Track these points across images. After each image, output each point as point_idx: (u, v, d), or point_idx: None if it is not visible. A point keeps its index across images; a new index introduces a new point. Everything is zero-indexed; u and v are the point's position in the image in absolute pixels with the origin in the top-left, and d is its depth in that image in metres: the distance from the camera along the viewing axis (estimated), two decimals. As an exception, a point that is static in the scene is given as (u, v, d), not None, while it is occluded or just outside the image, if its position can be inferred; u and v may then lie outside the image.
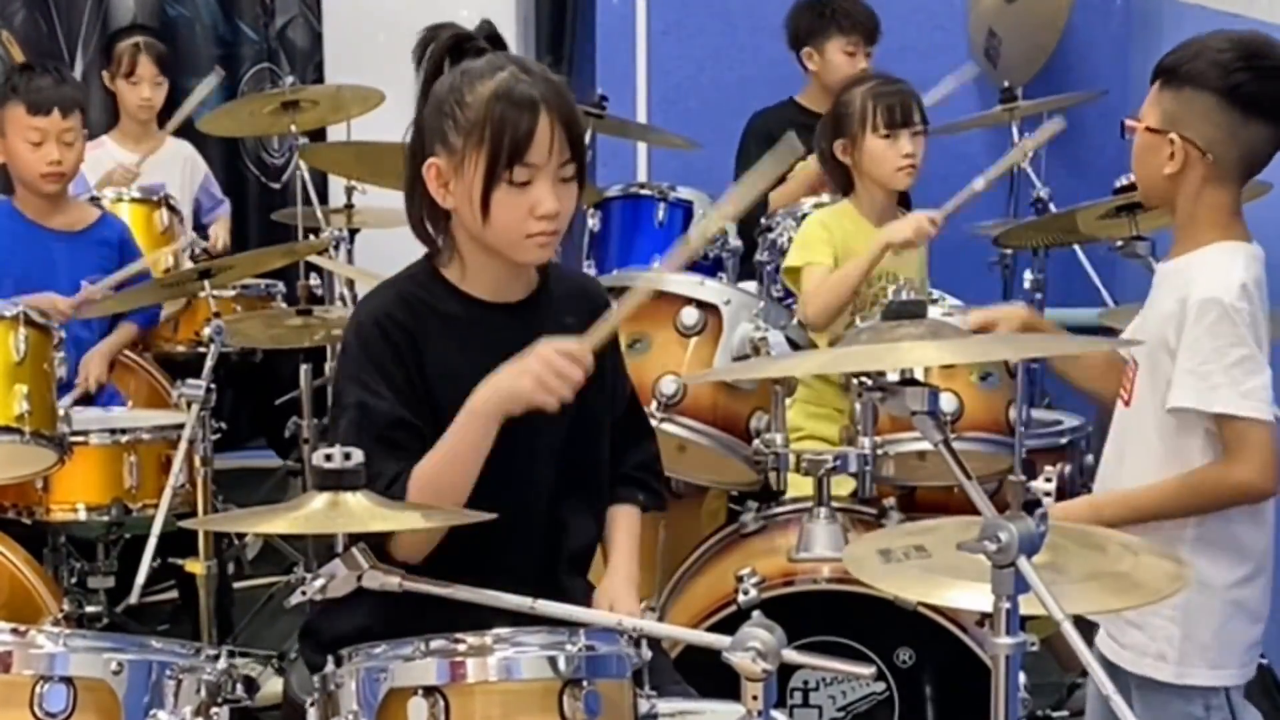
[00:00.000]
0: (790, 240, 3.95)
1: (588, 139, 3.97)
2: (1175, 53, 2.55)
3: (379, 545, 2.14)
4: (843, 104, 3.77)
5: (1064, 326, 4.16)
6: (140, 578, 3.13)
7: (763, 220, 4.18)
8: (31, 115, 3.96)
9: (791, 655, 1.88)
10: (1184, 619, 2.51)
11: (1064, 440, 3.51)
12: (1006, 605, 1.86)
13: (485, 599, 2.05)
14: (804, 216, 4.02)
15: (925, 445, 2.60)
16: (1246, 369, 2.46)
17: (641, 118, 5.45)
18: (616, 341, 2.55)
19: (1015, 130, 4.59)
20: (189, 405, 3.22)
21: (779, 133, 4.88)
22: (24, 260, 4.03)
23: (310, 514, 1.99)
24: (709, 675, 2.14)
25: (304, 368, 4.26)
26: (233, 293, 4.59)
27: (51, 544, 3.72)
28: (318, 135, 5.07)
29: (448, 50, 2.32)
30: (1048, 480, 2.28)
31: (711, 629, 2.61)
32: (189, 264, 4.37)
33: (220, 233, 5.19)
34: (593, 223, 4.30)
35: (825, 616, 2.75)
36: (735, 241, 4.23)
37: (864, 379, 2.11)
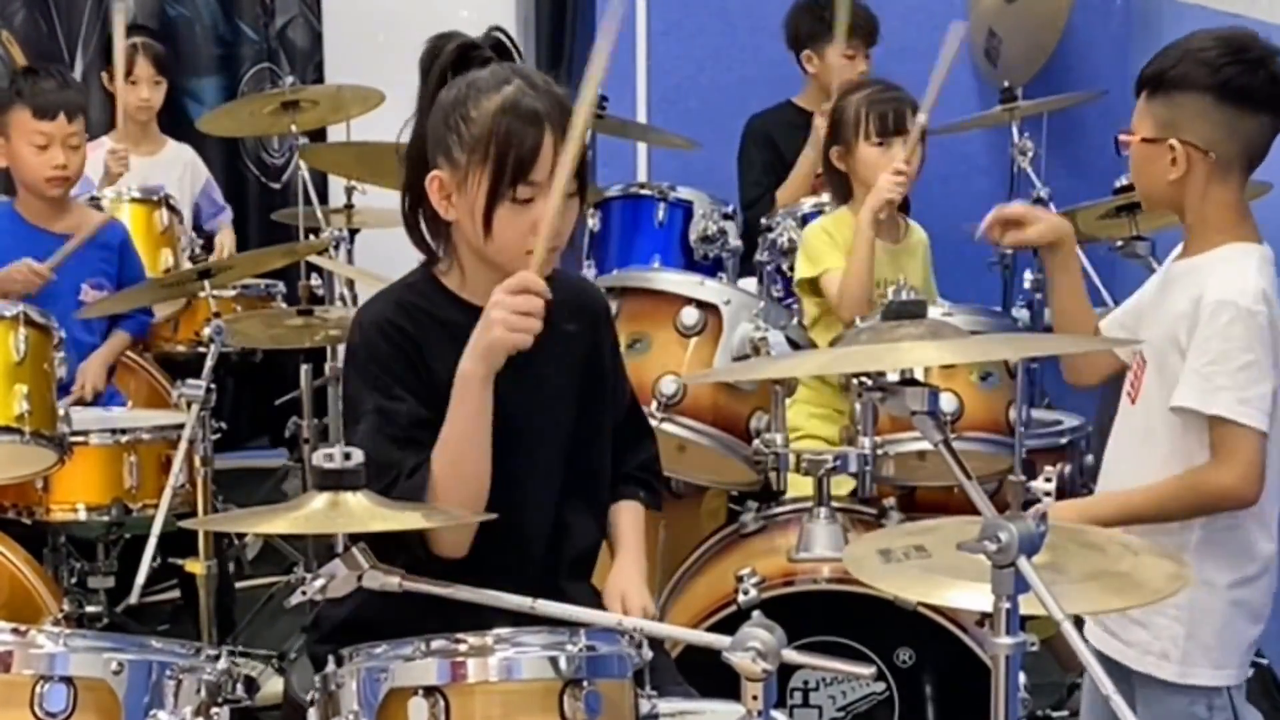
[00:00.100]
0: (790, 240, 3.95)
1: (588, 139, 3.95)
2: (1156, 62, 2.57)
3: (421, 543, 2.17)
4: (839, 110, 3.79)
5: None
6: (140, 578, 3.13)
7: (763, 220, 4.19)
8: (37, 119, 3.96)
9: (791, 655, 1.88)
10: (1188, 618, 2.52)
11: (1064, 440, 3.51)
12: (1006, 605, 1.86)
13: (485, 599, 2.05)
14: (804, 217, 4.03)
15: (925, 445, 2.60)
16: (1251, 375, 2.46)
17: (641, 118, 5.45)
18: (616, 344, 2.55)
19: (1015, 130, 4.59)
20: (189, 405, 3.22)
21: (777, 134, 4.94)
22: (26, 264, 4.02)
23: (310, 514, 1.99)
24: (709, 675, 2.14)
25: (304, 368, 4.26)
26: (233, 293, 4.59)
27: (51, 544, 3.72)
28: (318, 135, 5.07)
29: (453, 61, 2.31)
30: (1048, 480, 2.27)
31: (711, 629, 2.61)
32: (188, 264, 4.38)
33: (226, 242, 5.18)
34: (593, 223, 4.30)
35: (825, 616, 2.75)
36: (735, 241, 4.24)
37: (864, 379, 2.11)
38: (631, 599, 2.36)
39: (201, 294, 3.65)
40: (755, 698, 1.86)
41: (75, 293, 4.05)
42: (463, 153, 2.22)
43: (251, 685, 2.16)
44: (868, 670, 1.99)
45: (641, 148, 5.49)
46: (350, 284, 4.40)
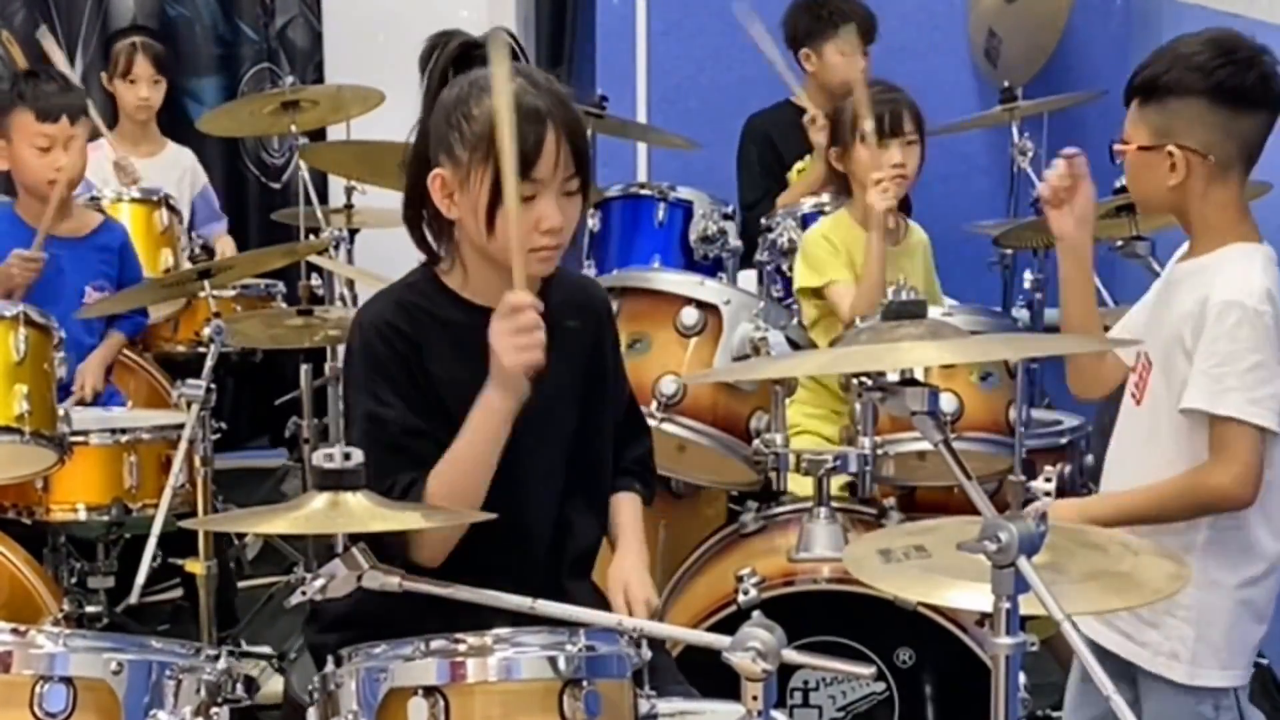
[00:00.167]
0: (790, 240, 3.95)
1: (588, 139, 3.96)
2: (1146, 69, 2.58)
3: (399, 553, 2.15)
4: (839, 111, 3.79)
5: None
6: (140, 578, 3.13)
7: (763, 220, 4.19)
8: (40, 122, 3.95)
9: (791, 655, 1.88)
10: (1197, 619, 2.52)
11: (1064, 440, 3.51)
12: (1006, 605, 1.86)
13: (485, 599, 2.05)
14: (804, 217, 4.03)
15: (925, 445, 2.60)
16: (1260, 375, 2.47)
17: (641, 118, 5.45)
18: (618, 342, 2.55)
19: (1015, 130, 4.59)
20: (189, 405, 3.22)
21: (776, 134, 4.94)
22: (29, 268, 4.02)
23: (310, 514, 1.99)
24: (709, 675, 2.14)
25: (304, 368, 4.26)
26: (233, 293, 4.59)
27: (51, 544, 3.72)
28: (318, 135, 5.07)
29: (454, 59, 2.31)
30: (1048, 480, 2.27)
31: (711, 629, 2.61)
32: (188, 264, 4.38)
33: (227, 252, 5.16)
34: (593, 223, 4.30)
35: (825, 616, 2.75)
36: (735, 241, 4.24)
37: (864, 379, 2.11)
38: (634, 590, 2.36)
39: (201, 294, 3.65)
40: (755, 698, 1.86)
41: (78, 295, 4.05)
42: (465, 150, 2.22)
43: (251, 685, 2.16)
44: (868, 670, 1.99)
45: (641, 148, 5.49)
46: (350, 284, 4.40)
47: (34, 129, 3.95)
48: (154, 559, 3.15)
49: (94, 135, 4.48)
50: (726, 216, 4.28)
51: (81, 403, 3.98)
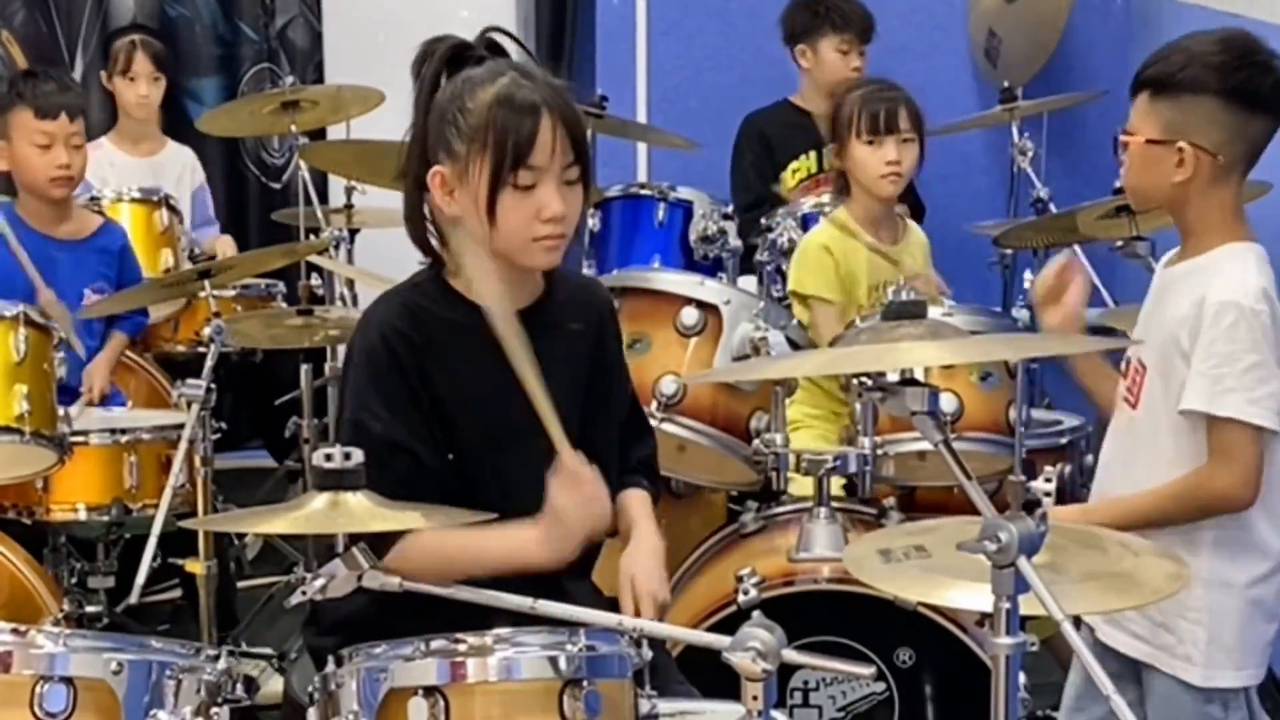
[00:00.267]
0: (790, 240, 3.95)
1: (588, 138, 3.96)
2: (1159, 63, 2.56)
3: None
4: (837, 109, 3.80)
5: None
6: (140, 578, 3.13)
7: (763, 220, 4.19)
8: (40, 120, 3.96)
9: (791, 655, 1.88)
10: (1209, 621, 2.52)
11: (1064, 440, 3.51)
12: (1006, 605, 1.86)
13: (485, 599, 2.05)
14: (804, 217, 4.03)
15: (925, 445, 2.60)
16: (1259, 375, 2.47)
17: (641, 118, 5.45)
18: (620, 341, 2.55)
19: (1015, 130, 4.59)
20: (189, 405, 3.22)
21: (772, 132, 4.94)
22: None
23: (310, 514, 1.99)
24: (709, 675, 2.14)
25: (304, 368, 4.26)
26: (233, 293, 4.58)
27: (51, 544, 3.72)
28: (318, 135, 5.07)
29: (446, 61, 2.32)
30: (1048, 480, 2.28)
31: (711, 629, 2.61)
32: (188, 264, 4.38)
33: (228, 253, 5.14)
34: (593, 223, 4.30)
35: (825, 616, 2.75)
36: (735, 241, 4.24)
37: (864, 379, 2.11)
38: (640, 583, 2.34)
39: (201, 294, 3.65)
40: (755, 698, 1.86)
41: (78, 297, 4.05)
42: (462, 144, 2.23)
43: (251, 685, 2.16)
44: (868, 670, 1.99)
45: (641, 148, 5.49)
46: (350, 284, 4.40)
47: (33, 127, 3.95)
48: (154, 559, 3.15)
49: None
50: (726, 216, 4.28)
51: (90, 405, 3.98)
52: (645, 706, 2.03)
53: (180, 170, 5.11)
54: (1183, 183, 2.54)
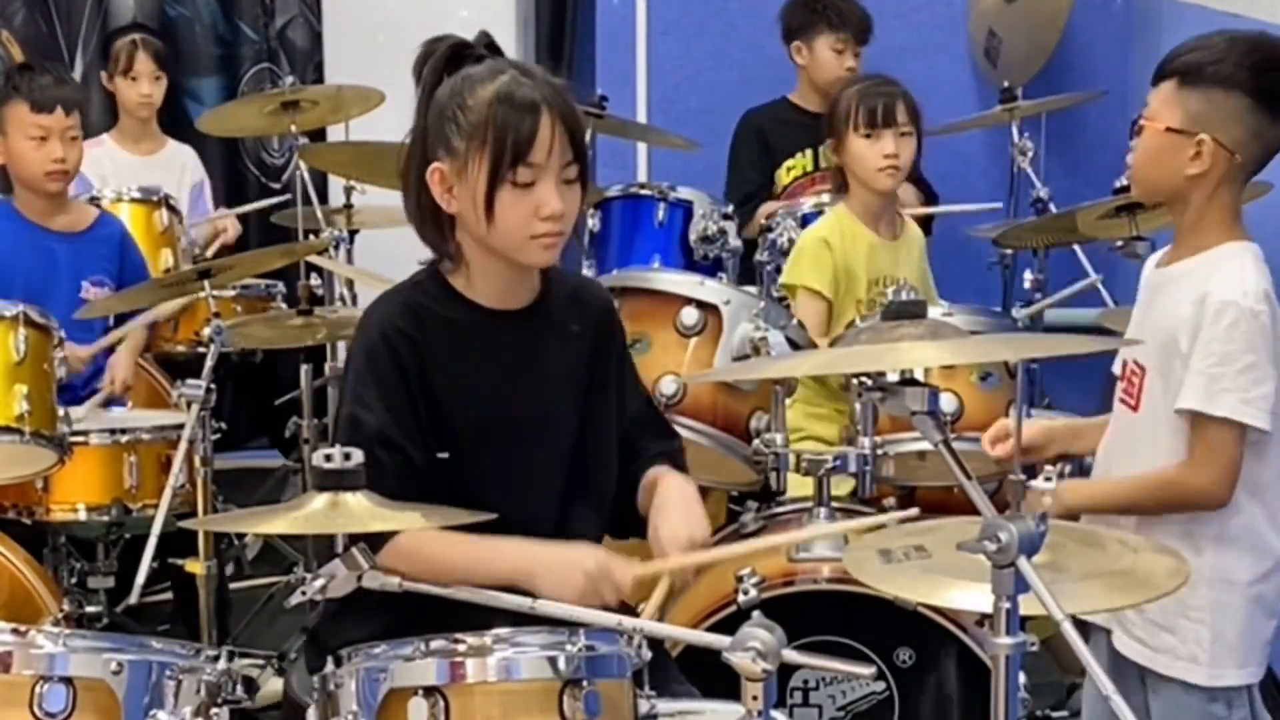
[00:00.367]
0: (790, 240, 3.95)
1: (588, 139, 3.96)
2: (1192, 53, 2.53)
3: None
4: (834, 104, 3.82)
5: (1064, 327, 4.19)
6: (140, 578, 3.13)
7: (763, 220, 4.19)
8: (35, 113, 3.96)
9: (791, 655, 1.88)
10: (1212, 620, 2.52)
11: (1064, 440, 3.50)
12: (1006, 605, 1.86)
13: (485, 599, 2.05)
14: (804, 217, 4.03)
15: (925, 445, 2.60)
16: (1255, 376, 2.47)
17: (641, 118, 5.45)
18: (624, 348, 2.54)
19: (1015, 130, 4.59)
20: (189, 405, 3.22)
21: (769, 129, 4.95)
22: (27, 262, 4.02)
23: (310, 514, 1.99)
24: (709, 675, 2.14)
25: (304, 368, 4.26)
26: (233, 293, 4.58)
27: (51, 544, 3.72)
28: (318, 135, 5.07)
29: (447, 60, 2.32)
30: (1047, 480, 2.27)
31: (711, 629, 2.61)
32: (189, 264, 4.38)
33: (229, 225, 5.14)
34: (593, 223, 4.30)
35: (825, 616, 2.75)
36: (735, 241, 4.24)
37: (864, 379, 2.11)
38: (664, 535, 2.32)
39: (201, 294, 3.65)
40: (755, 698, 1.86)
41: (75, 290, 4.05)
42: (462, 140, 2.24)
43: (251, 685, 2.16)
44: (868, 670, 1.99)
45: (641, 148, 5.49)
46: (350, 284, 4.40)
47: (29, 120, 3.95)
48: (154, 559, 3.15)
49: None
50: (726, 216, 4.28)
51: (111, 398, 3.98)
52: (645, 706, 2.03)
53: (180, 169, 5.12)
54: (1195, 176, 2.52)
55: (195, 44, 5.82)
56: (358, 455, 2.01)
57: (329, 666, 2.04)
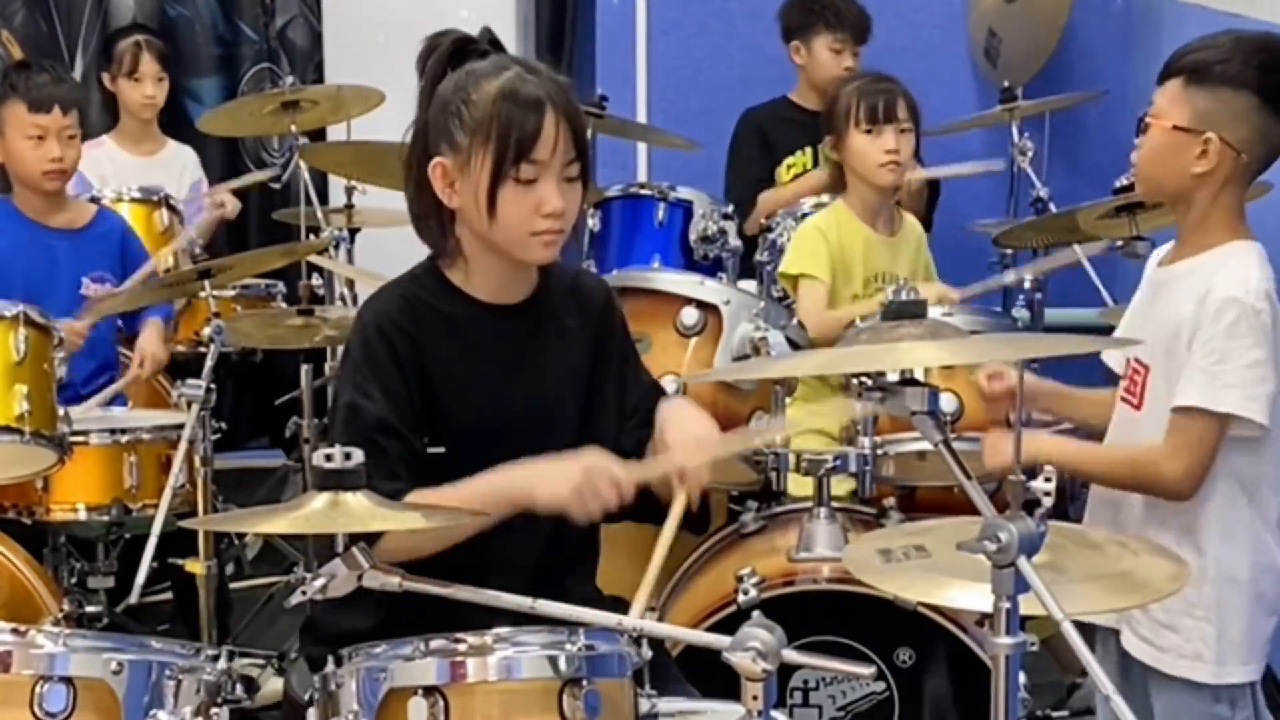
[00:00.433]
0: (790, 241, 3.96)
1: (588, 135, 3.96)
2: (1199, 52, 2.53)
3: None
4: (833, 101, 3.82)
5: (1064, 327, 4.18)
6: (140, 578, 3.12)
7: (763, 221, 4.19)
8: (33, 113, 3.95)
9: (791, 655, 1.88)
10: (1217, 618, 2.53)
11: (1064, 440, 3.50)
12: (1006, 605, 1.86)
13: (485, 599, 2.05)
14: (803, 217, 4.03)
15: (925, 445, 2.60)
16: (1258, 374, 2.47)
17: (641, 118, 5.45)
18: (627, 340, 2.54)
19: (1015, 130, 4.59)
20: (189, 405, 3.22)
21: (769, 127, 4.94)
22: (28, 260, 4.02)
23: (310, 514, 1.99)
24: (709, 675, 2.14)
25: (304, 368, 4.26)
26: (233, 293, 4.58)
27: (51, 544, 3.72)
28: (318, 135, 5.07)
29: (450, 55, 2.33)
30: (1047, 480, 2.27)
31: (711, 629, 2.61)
32: (189, 264, 4.37)
33: (226, 198, 5.13)
34: (593, 223, 4.30)
35: (825, 616, 2.75)
36: (735, 241, 4.24)
37: (864, 379, 2.11)
38: (672, 438, 2.33)
39: (201, 294, 3.65)
40: (755, 698, 1.86)
41: (75, 286, 4.04)
42: (465, 136, 2.24)
43: (251, 685, 2.16)
44: (868, 670, 1.98)
45: (641, 148, 5.49)
46: (350, 284, 4.40)
47: (26, 120, 3.95)
48: (154, 559, 3.15)
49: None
50: (726, 216, 4.28)
51: (138, 380, 3.99)
52: (645, 706, 2.03)
53: (180, 170, 5.11)
54: (1200, 175, 2.52)
55: (195, 44, 5.82)
56: (358, 455, 2.01)
57: (329, 666, 2.04)
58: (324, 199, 4.82)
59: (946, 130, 4.70)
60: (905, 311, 2.23)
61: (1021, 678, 1.94)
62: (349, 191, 4.60)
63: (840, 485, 3.11)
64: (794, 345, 3.25)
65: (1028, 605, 1.86)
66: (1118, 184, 3.46)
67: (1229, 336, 2.46)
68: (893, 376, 2.03)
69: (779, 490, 3.11)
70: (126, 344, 4.27)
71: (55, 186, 4.06)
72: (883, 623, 2.75)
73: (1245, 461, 2.52)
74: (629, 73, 5.50)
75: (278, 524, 2.22)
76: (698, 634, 2.17)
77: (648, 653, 2.05)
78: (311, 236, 4.40)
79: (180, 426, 3.32)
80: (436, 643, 1.99)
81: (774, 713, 1.90)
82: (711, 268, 4.18)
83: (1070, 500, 3.34)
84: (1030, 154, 4.49)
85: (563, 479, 2.18)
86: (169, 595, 4.14)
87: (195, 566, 3.29)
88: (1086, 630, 1.90)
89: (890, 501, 3.15)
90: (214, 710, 2.09)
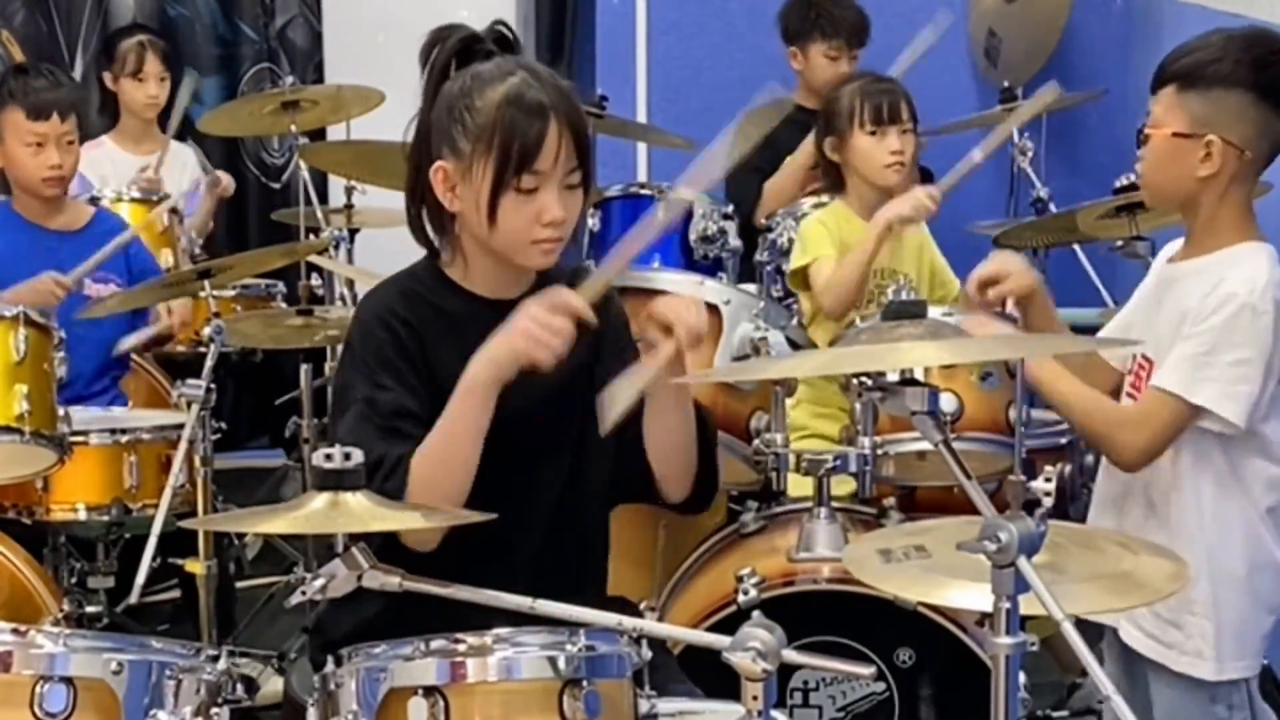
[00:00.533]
0: (790, 240, 3.96)
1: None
2: (1189, 55, 2.52)
3: (389, 535, 2.13)
4: (832, 101, 3.82)
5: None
6: (140, 578, 3.13)
7: (763, 220, 4.19)
8: (31, 120, 3.94)
9: (791, 655, 1.88)
10: (1216, 615, 2.53)
11: (1064, 440, 3.50)
12: (1006, 605, 1.86)
13: (485, 599, 2.05)
14: (804, 216, 4.03)
15: (925, 445, 2.60)
16: (1242, 373, 2.46)
17: (641, 118, 5.45)
18: (628, 337, 2.53)
19: (1015, 130, 4.58)
20: (189, 405, 3.22)
21: (771, 129, 4.91)
22: (28, 262, 4.01)
23: (310, 514, 1.99)
24: (710, 675, 2.14)
25: (304, 368, 4.26)
26: (233, 293, 4.59)
27: (51, 544, 3.72)
28: (318, 135, 5.07)
29: (455, 53, 2.32)
30: (1047, 480, 2.27)
31: (711, 629, 2.61)
32: (189, 264, 4.38)
33: (220, 175, 5.12)
34: (593, 223, 4.30)
35: (825, 616, 2.75)
36: (735, 241, 4.24)
37: (864, 379, 2.11)
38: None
39: (201, 294, 3.65)
40: (755, 698, 1.86)
41: (78, 288, 4.04)
42: (467, 142, 2.23)
43: (251, 685, 2.16)
44: (868, 670, 1.98)
45: (641, 148, 5.49)
46: (350, 284, 4.41)
47: (25, 127, 3.94)
48: (154, 559, 3.15)
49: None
50: (726, 216, 4.28)
51: (163, 338, 4.05)
52: (645, 706, 2.03)
53: (181, 169, 5.12)
54: (1206, 178, 2.52)
55: (195, 44, 5.83)
56: (357, 455, 2.01)
57: (329, 666, 2.05)
58: (324, 199, 4.83)
59: (947, 130, 4.70)
60: (905, 311, 2.23)
61: (1021, 678, 1.93)
62: (349, 192, 4.60)
63: (840, 485, 3.11)
64: (794, 345, 3.24)
65: (1028, 605, 1.86)
66: (1118, 184, 3.47)
67: (1224, 330, 2.46)
68: (893, 376, 2.03)
69: (779, 490, 3.10)
70: None
71: (55, 193, 4.05)
72: (883, 623, 2.75)
73: (1237, 457, 2.53)
74: (629, 73, 5.50)
75: (278, 524, 2.22)
76: (698, 634, 2.17)
77: (648, 653, 2.04)
78: (311, 236, 4.40)
79: (180, 426, 3.32)
80: (436, 643, 1.99)
81: (774, 713, 1.90)
82: (711, 268, 4.17)
83: (1070, 500, 3.34)
84: (1030, 154, 4.49)
85: (507, 334, 2.16)
86: (169, 595, 4.15)
87: (195, 566, 3.29)
88: (1090, 626, 1.90)
89: (890, 501, 3.15)
90: (214, 710, 2.08)
